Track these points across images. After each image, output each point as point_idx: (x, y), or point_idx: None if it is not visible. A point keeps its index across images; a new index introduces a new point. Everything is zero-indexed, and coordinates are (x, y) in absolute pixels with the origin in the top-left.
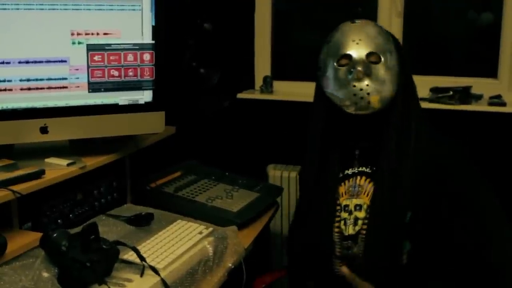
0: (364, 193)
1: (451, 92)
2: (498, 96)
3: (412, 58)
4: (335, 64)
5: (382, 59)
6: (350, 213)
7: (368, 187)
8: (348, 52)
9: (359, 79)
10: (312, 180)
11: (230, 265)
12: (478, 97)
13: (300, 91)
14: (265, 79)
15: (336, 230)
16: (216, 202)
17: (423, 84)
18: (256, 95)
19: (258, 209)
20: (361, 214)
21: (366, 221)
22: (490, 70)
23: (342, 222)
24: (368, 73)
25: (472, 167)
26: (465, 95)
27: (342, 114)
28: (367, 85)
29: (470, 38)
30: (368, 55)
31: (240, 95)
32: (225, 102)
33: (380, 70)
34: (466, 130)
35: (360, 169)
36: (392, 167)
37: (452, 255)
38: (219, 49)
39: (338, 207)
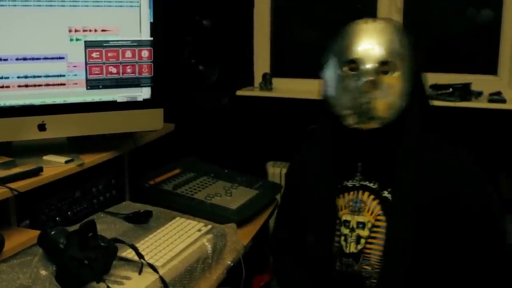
0: (368, 211)
1: (451, 89)
2: (498, 93)
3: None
4: (340, 69)
5: (396, 68)
6: (352, 230)
7: (373, 204)
8: (358, 58)
9: (366, 91)
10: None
11: (229, 262)
12: (478, 94)
13: (299, 88)
14: (264, 76)
15: (336, 245)
16: (215, 199)
17: None
18: (255, 92)
19: (257, 206)
20: (364, 233)
21: (370, 240)
22: (490, 67)
23: (343, 238)
24: (377, 85)
25: (480, 175)
26: (465, 92)
27: (343, 124)
28: (374, 98)
29: (470, 35)
30: (381, 63)
31: (239, 92)
32: (224, 99)
33: (392, 81)
34: (466, 127)
35: (362, 182)
36: (411, 190)
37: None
38: (218, 46)
39: (338, 221)
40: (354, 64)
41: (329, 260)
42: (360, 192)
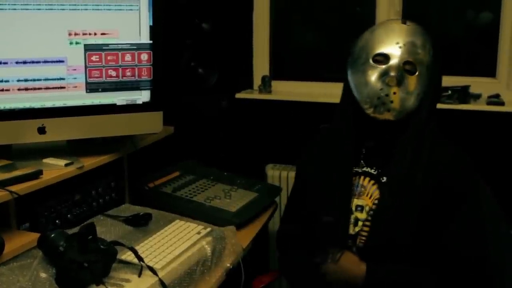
0: (367, 195)
1: (449, 92)
2: (497, 96)
3: None
4: (370, 59)
5: (418, 71)
6: (351, 212)
7: (372, 189)
8: (387, 52)
9: (390, 85)
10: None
11: (228, 265)
12: (477, 97)
13: (298, 91)
14: (263, 79)
15: None
16: (215, 202)
17: None
18: (254, 95)
19: (256, 209)
20: (362, 216)
21: (367, 223)
22: (488, 69)
23: None
24: (400, 82)
25: (477, 178)
26: (463, 94)
27: (361, 109)
28: (394, 93)
29: (468, 37)
30: (406, 63)
31: (238, 95)
32: (224, 102)
33: (412, 81)
34: (465, 129)
35: (365, 169)
36: (403, 178)
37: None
38: (217, 49)
39: None
40: (382, 57)
41: (345, 240)
42: (362, 177)
